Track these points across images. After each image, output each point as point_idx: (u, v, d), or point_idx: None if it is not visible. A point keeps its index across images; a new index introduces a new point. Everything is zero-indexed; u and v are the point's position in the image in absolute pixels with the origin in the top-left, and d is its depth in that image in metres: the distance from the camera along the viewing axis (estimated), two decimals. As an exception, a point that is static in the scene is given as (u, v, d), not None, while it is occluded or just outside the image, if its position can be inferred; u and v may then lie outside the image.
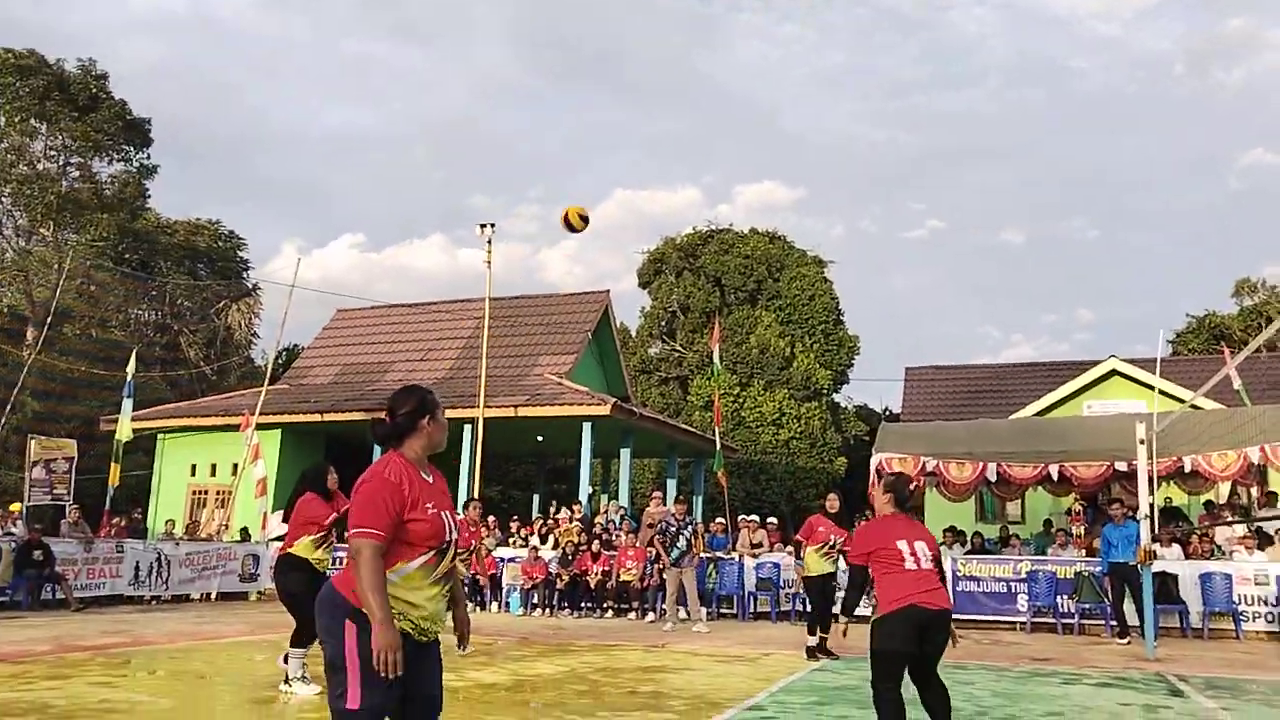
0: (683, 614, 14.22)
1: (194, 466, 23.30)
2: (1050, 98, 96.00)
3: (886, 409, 43.63)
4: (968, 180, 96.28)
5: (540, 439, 22.24)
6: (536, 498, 27.09)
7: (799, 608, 14.92)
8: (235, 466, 21.06)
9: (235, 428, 20.63)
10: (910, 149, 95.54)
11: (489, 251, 19.78)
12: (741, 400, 34.71)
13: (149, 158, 36.69)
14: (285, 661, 7.34)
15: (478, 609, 16.00)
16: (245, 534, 18.96)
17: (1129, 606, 12.50)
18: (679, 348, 39.35)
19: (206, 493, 23.00)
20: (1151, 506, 11.25)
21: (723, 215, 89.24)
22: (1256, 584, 13.41)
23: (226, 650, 10.03)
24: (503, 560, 16.37)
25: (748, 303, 38.53)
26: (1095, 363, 22.18)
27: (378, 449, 3.55)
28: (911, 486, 5.78)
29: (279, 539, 7.97)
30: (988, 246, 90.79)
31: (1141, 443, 11.18)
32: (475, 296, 23.57)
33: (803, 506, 34.21)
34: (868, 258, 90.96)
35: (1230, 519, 16.08)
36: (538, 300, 25.49)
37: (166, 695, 7.06)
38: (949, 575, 14.40)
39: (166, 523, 19.82)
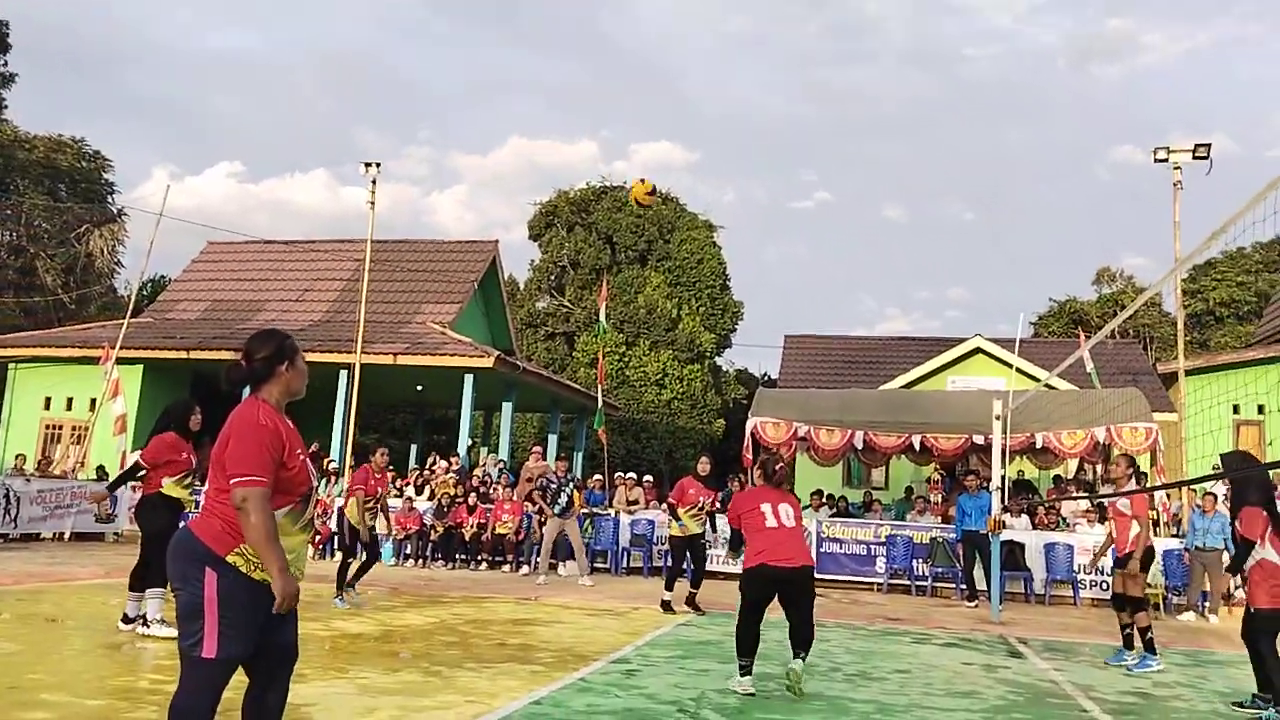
0: (564, 569, 14.38)
1: (48, 400, 22.03)
2: (942, 82, 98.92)
3: (765, 374, 44.70)
4: (857, 156, 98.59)
5: (420, 389, 21.91)
6: (415, 448, 26.73)
7: (670, 563, 15.22)
8: (93, 402, 20.01)
9: (94, 360, 19.56)
10: (806, 121, 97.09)
11: (373, 192, 19.23)
12: (627, 359, 34.92)
13: (6, 64, 34.09)
14: (137, 604, 7.13)
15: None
16: (102, 472, 18.11)
17: (979, 572, 13.26)
18: (567, 303, 39.22)
19: (61, 428, 21.82)
20: (1003, 479, 11.92)
21: (618, 172, 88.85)
22: (1095, 552, 14.35)
23: (79, 593, 9.61)
24: (376, 509, 16.11)
25: (638, 262, 38.65)
26: (961, 340, 23.20)
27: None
28: (779, 465, 6.83)
29: (135, 475, 7.67)
30: (871, 222, 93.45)
31: (997, 418, 11.79)
32: (358, 237, 22.88)
33: (681, 465, 34.82)
34: (756, 225, 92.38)
35: (1075, 494, 17.13)
36: (423, 246, 24.93)
37: (11, 639, 6.73)
38: (814, 537, 14.99)
39: (17, 457, 18.72)
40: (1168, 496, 15.55)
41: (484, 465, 18.18)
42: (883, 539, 15.05)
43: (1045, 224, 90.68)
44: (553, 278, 40.29)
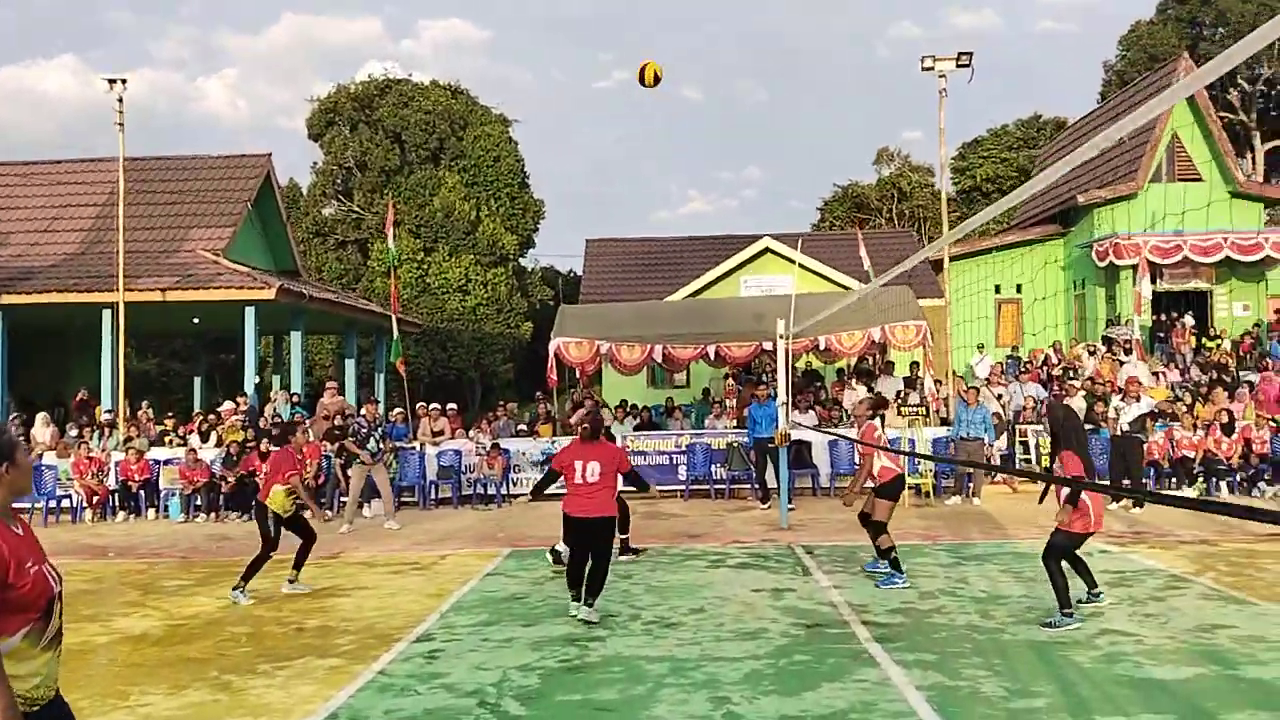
0: (369, 510, 14.08)
1: None
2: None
3: (571, 270, 44.65)
4: (653, 33, 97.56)
5: (196, 321, 20.44)
6: (198, 380, 25.14)
7: (479, 491, 15.28)
8: None
9: None
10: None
11: (120, 111, 17.32)
12: (426, 266, 33.89)
13: None
14: None
15: (132, 517, 14.83)
16: None
17: (772, 473, 14.03)
18: (357, 208, 37.34)
19: None
20: (789, 392, 12.49)
21: (406, 51, 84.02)
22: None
23: None
24: (158, 463, 15.16)
25: (430, 162, 37.13)
26: (752, 239, 23.91)
27: None
28: (587, 422, 8.06)
29: None
30: (669, 102, 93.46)
31: (781, 337, 12.27)
32: (110, 156, 20.66)
33: (490, 371, 34.67)
34: (556, 109, 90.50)
35: (855, 384, 18.25)
36: (187, 164, 22.82)
37: None
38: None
39: None
40: (936, 386, 16.83)
41: (274, 403, 17.34)
42: (683, 448, 15.62)
43: (832, 103, 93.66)
44: (338, 181, 38.15)
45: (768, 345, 15.55)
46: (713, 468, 15.50)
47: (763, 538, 11.42)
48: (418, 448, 15.47)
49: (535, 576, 9.36)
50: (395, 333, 16.58)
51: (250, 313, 18.17)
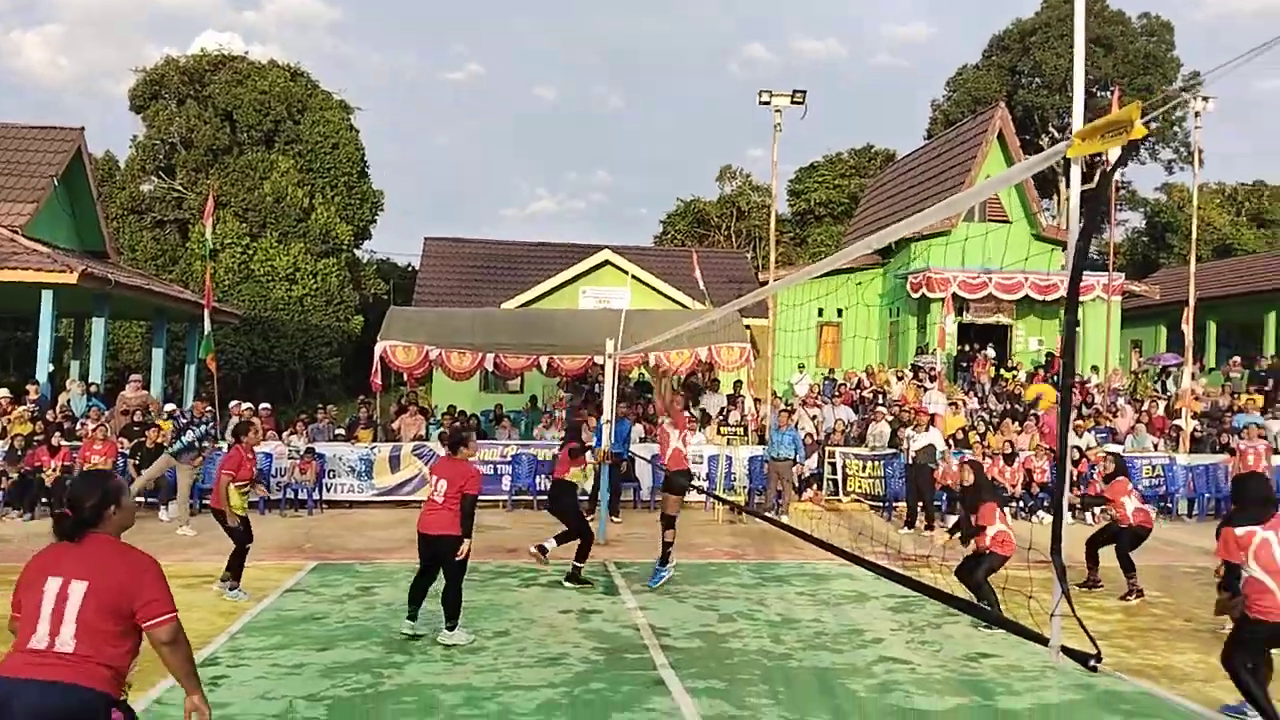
0: (164, 514, 13.34)
1: None
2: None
3: (410, 265, 43.61)
4: (507, 31, 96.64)
5: (-12, 299, 18.77)
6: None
7: (289, 495, 14.72)
8: None
9: None
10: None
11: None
12: (251, 252, 32.35)
13: None
14: None
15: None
16: None
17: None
18: (179, 187, 35.22)
19: None
20: (614, 415, 12.66)
21: (248, 23, 79.90)
22: (693, 462, 15.88)
23: None
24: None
25: (263, 144, 35.46)
26: (593, 250, 24.10)
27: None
28: (460, 437, 7.96)
29: None
30: (521, 99, 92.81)
31: (609, 356, 12.43)
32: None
33: (314, 365, 33.41)
34: (404, 97, 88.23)
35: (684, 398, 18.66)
36: (-14, 130, 20.94)
37: None
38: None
39: None
40: (756, 405, 17.45)
41: (69, 392, 16.14)
42: (508, 458, 15.55)
43: (683, 116, 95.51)
44: (160, 157, 35.87)
45: (600, 359, 15.74)
46: (538, 479, 15.49)
47: (578, 553, 11.49)
48: (224, 448, 14.70)
49: (338, 594, 9.11)
50: (207, 327, 15.74)
51: (48, 296, 16.85)
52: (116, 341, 29.44)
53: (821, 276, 24.47)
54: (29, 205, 19.09)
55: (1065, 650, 3.38)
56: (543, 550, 9.85)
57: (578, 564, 9.72)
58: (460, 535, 7.36)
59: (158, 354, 21.70)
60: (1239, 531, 5.75)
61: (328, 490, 14.89)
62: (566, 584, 9.57)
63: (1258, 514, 5.79)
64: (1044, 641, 3.58)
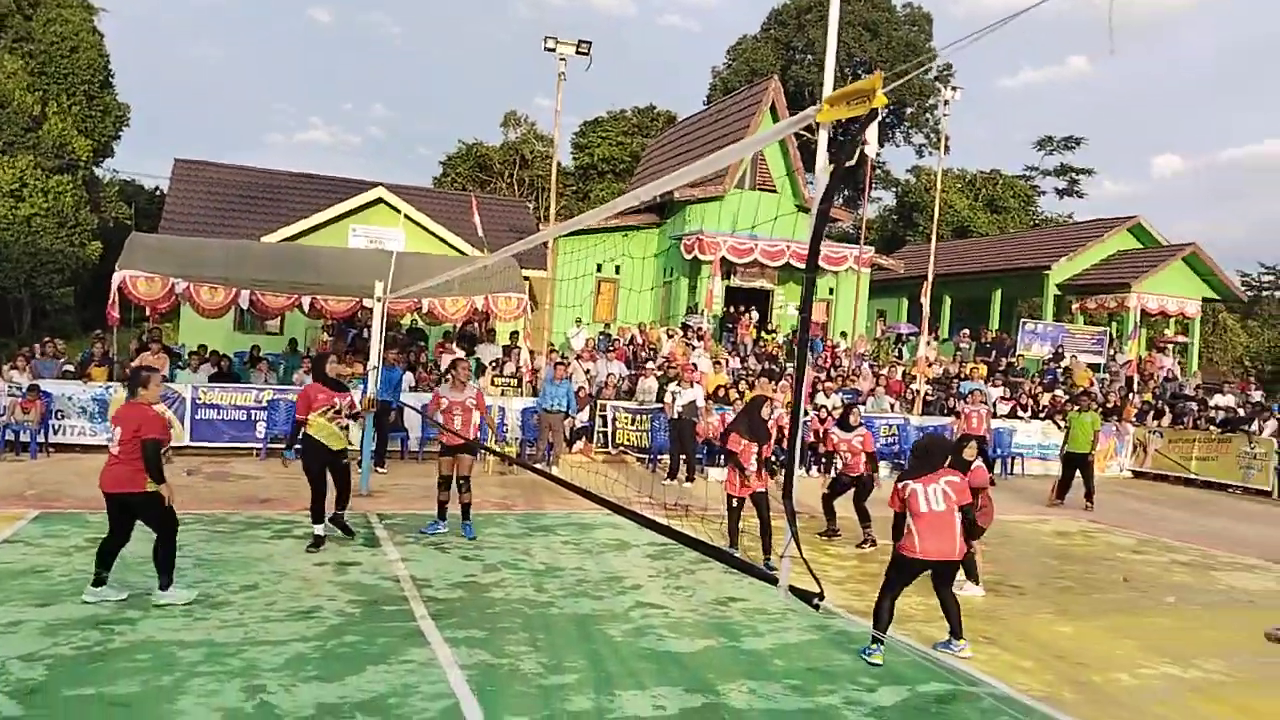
0: None
1: None
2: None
3: (157, 188, 40.00)
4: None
5: None
6: None
7: (8, 437, 13.23)
8: None
9: None
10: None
11: None
12: (-34, 162, 28.49)
13: None
14: None
15: None
16: None
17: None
18: (-128, 77, 30.33)
19: None
20: (380, 355, 12.24)
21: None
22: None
23: None
24: None
25: (-17, 38, 31.18)
26: (366, 186, 23.05)
27: None
28: (141, 377, 6.95)
29: None
30: (295, 19, 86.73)
31: (379, 300, 11.99)
32: None
33: (42, 294, 30.11)
34: (159, 5, 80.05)
35: (455, 348, 18.35)
36: None
37: None
38: (188, 404, 14.13)
39: None
40: (530, 357, 17.46)
41: None
42: (264, 403, 14.72)
43: (469, 56, 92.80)
44: None
45: (369, 302, 15.12)
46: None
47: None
48: (-72, 384, 13.02)
49: (64, 545, 8.32)
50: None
51: None
52: None
53: (601, 232, 24.79)
54: None
55: (792, 589, 3.64)
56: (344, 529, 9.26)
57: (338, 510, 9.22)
58: (145, 493, 6.68)
59: None
60: (899, 484, 6.72)
61: (55, 433, 13.51)
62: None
63: (918, 469, 6.73)
64: (774, 582, 3.83)
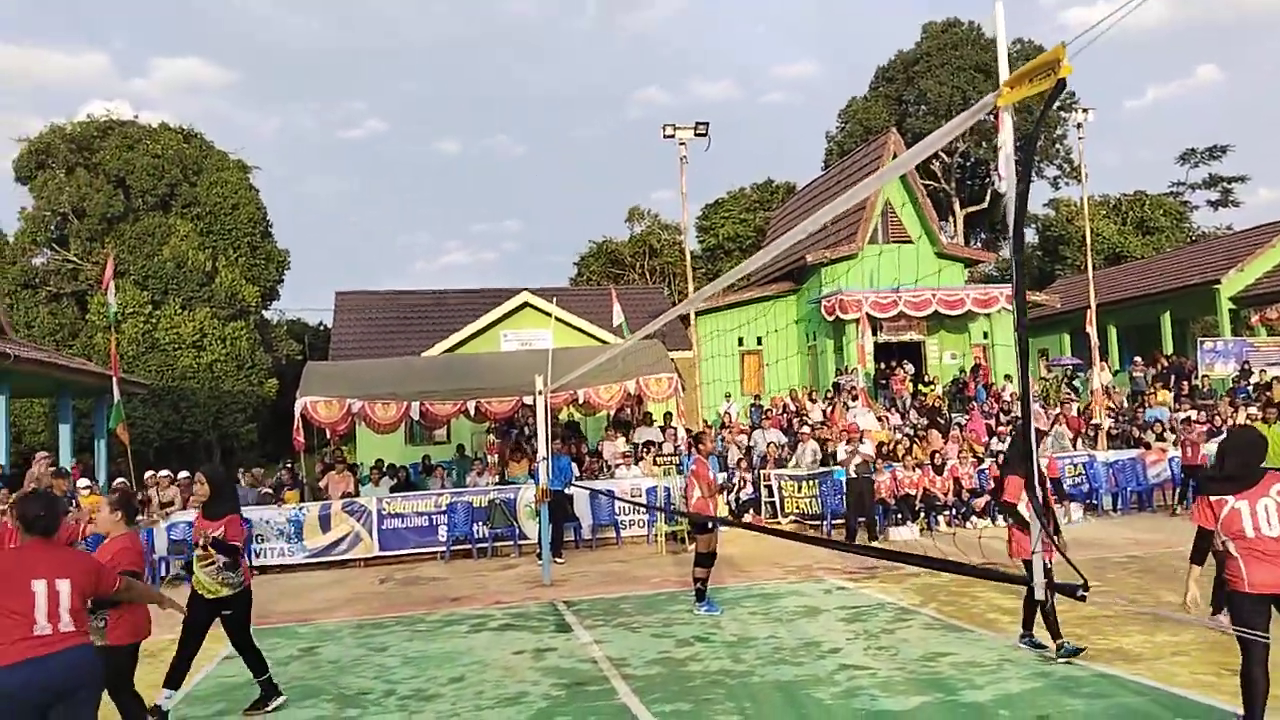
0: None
1: None
2: (473, 20, 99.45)
3: (321, 323, 42.79)
4: (405, 87, 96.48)
5: None
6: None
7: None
8: None
9: None
10: (347, 47, 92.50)
11: None
12: (155, 321, 31.32)
13: None
14: None
15: None
16: None
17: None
18: (74, 258, 33.97)
19: None
20: (548, 446, 12.55)
21: (137, 92, 77.88)
22: (632, 495, 15.84)
23: None
24: None
25: (159, 209, 34.52)
26: (511, 294, 24.01)
27: None
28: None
29: None
30: (425, 155, 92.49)
31: (540, 393, 12.35)
32: None
33: (229, 433, 32.36)
34: (304, 159, 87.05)
35: (614, 435, 18.60)
36: None
37: None
38: (374, 515, 14.77)
39: None
40: (688, 435, 17.46)
41: (-29, 478, 15.25)
42: (443, 507, 15.24)
43: (587, 161, 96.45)
44: (52, 228, 34.57)
45: (528, 400, 15.60)
46: (475, 526, 15.20)
47: (525, 595, 11.32)
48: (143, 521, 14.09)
49: (280, 656, 8.75)
50: (116, 396, 15.11)
51: (-62, 375, 15.97)
52: (18, 424, 28.01)
53: (739, 306, 24.89)
54: (-87, 284, 18.13)
55: (1053, 584, 3.41)
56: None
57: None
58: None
59: (64, 430, 20.72)
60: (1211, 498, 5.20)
61: (257, 556, 14.34)
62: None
63: (1237, 478, 5.18)
64: (1027, 583, 3.64)
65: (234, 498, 7.34)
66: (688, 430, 17.73)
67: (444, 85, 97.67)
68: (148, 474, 15.38)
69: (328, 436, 16.90)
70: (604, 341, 23.11)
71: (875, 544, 13.50)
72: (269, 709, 6.90)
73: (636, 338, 10.62)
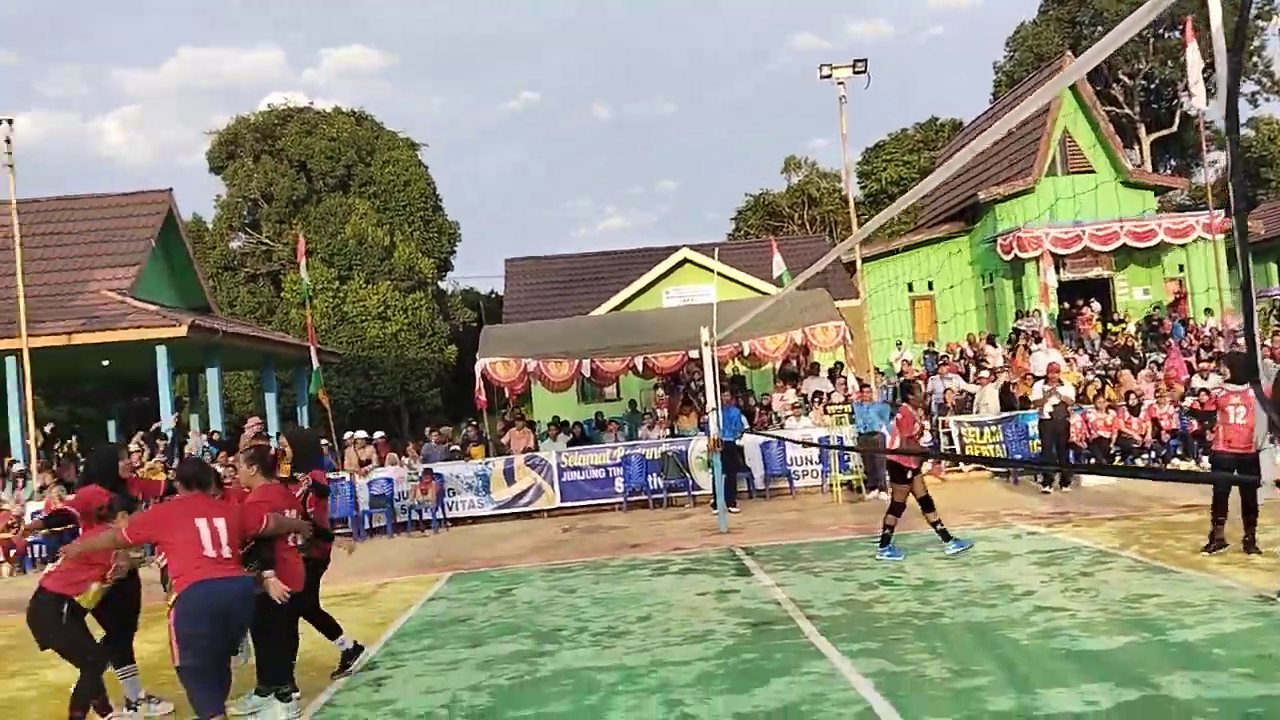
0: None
1: None
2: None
3: (493, 291, 44.34)
4: (556, 56, 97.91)
5: (106, 364, 19.74)
6: (112, 424, 24.24)
7: (413, 518, 15.09)
8: None
9: None
10: (499, 20, 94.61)
11: (9, 150, 16.76)
12: (342, 295, 33.34)
13: None
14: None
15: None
16: None
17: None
18: (266, 240, 36.57)
19: None
20: (718, 398, 12.63)
21: (309, 82, 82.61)
22: (804, 447, 15.73)
23: None
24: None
25: (339, 190, 36.59)
26: (672, 251, 24.14)
27: None
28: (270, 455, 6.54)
29: None
30: (580, 122, 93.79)
31: (707, 344, 12.41)
32: (1, 199, 19.84)
33: (416, 398, 34.19)
34: (465, 134, 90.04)
35: (782, 386, 18.48)
36: (84, 203, 22.03)
37: None
38: (554, 469, 15.31)
39: None
40: (858, 383, 17.14)
41: (192, 444, 16.82)
42: (618, 460, 15.63)
43: (740, 113, 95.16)
44: (244, 213, 37.31)
45: (694, 354, 15.72)
46: (649, 478, 15.53)
47: (703, 542, 11.50)
48: (346, 478, 15.16)
49: (479, 597, 9.27)
50: (315, 363, 16.26)
51: (162, 352, 17.62)
52: (229, 395, 30.58)
53: (907, 250, 24.08)
54: (132, 268, 20.01)
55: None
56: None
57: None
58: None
59: (270, 398, 22.49)
60: None
61: (449, 509, 15.18)
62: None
63: None
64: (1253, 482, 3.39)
65: (316, 456, 7.72)
66: (859, 379, 17.43)
67: (594, 53, 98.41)
68: (345, 435, 16.49)
69: (506, 396, 17.60)
70: (765, 294, 22.94)
71: (1068, 488, 12.97)
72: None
73: (797, 282, 10.47)
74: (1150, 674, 5.39)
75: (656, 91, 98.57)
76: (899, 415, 9.95)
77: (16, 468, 16.21)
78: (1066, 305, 22.33)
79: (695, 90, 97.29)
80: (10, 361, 17.24)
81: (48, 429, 17.88)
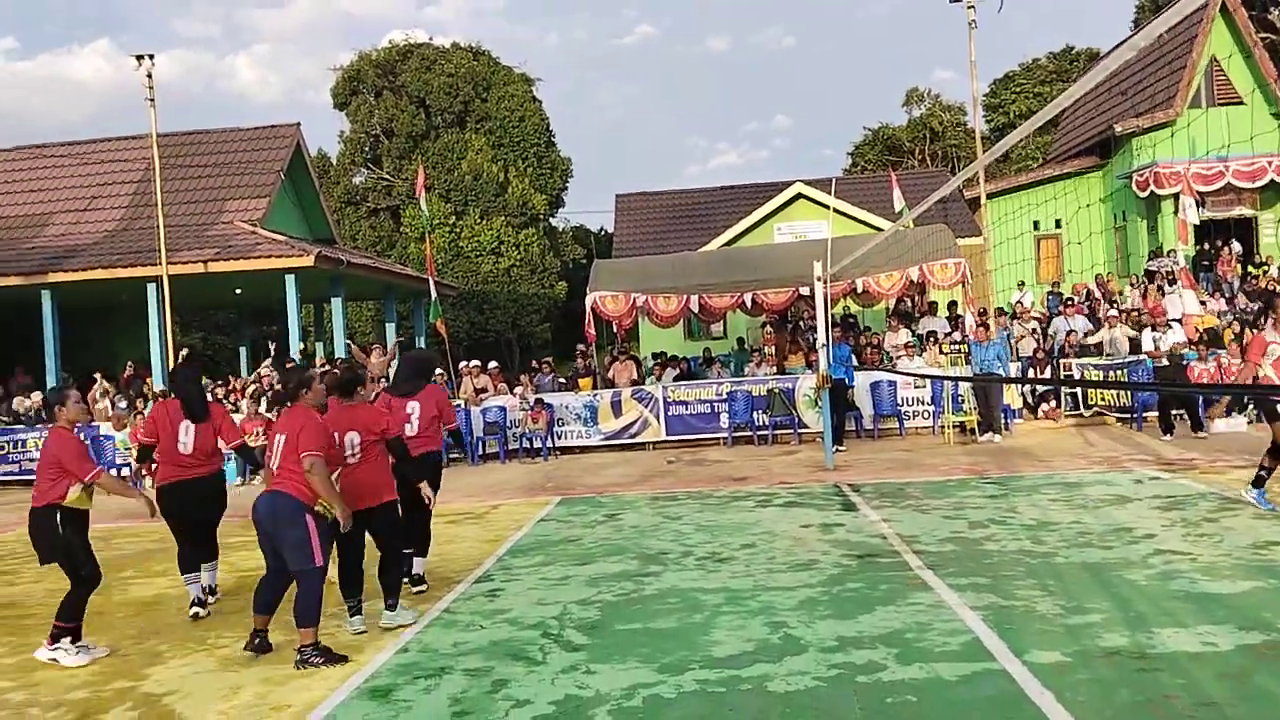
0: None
1: None
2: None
3: (602, 228, 44.56)
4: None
5: (238, 291, 20.77)
6: (244, 349, 25.59)
7: (524, 445, 15.53)
8: None
9: None
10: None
11: (150, 86, 17.58)
12: (458, 230, 34.05)
13: None
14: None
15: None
16: None
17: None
18: (387, 175, 37.52)
19: None
20: (829, 335, 12.47)
21: (430, 19, 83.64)
22: (915, 387, 15.45)
23: None
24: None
25: (456, 125, 37.14)
26: (784, 186, 23.72)
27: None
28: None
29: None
30: (694, 54, 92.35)
31: (819, 280, 12.23)
32: (143, 133, 20.90)
33: (527, 332, 34.87)
34: (581, 67, 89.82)
35: (896, 325, 18.12)
36: (217, 137, 23.04)
37: None
38: (660, 402, 15.47)
39: None
40: (977, 321, 16.62)
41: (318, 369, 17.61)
42: (724, 396, 15.67)
43: (859, 45, 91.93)
44: (367, 149, 38.32)
45: (804, 290, 15.51)
46: (755, 414, 15.54)
47: (808, 478, 11.50)
48: (462, 405, 15.67)
49: (587, 520, 9.53)
50: (433, 294, 16.76)
51: (290, 280, 18.42)
52: (350, 325, 31.84)
53: (1034, 186, 23.06)
54: (262, 200, 20.89)
55: None
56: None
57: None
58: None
59: (389, 329, 23.31)
60: None
61: (558, 438, 15.56)
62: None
63: None
64: None
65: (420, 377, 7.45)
66: (978, 318, 16.92)
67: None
68: (461, 364, 17.01)
69: (615, 330, 17.79)
70: (882, 230, 22.37)
71: (1201, 433, 12.41)
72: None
73: (915, 213, 10.17)
74: (1275, 619, 5.19)
75: (774, 23, 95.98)
76: (1249, 340, 8.52)
77: (158, 389, 17.28)
78: (1204, 246, 21.10)
79: (816, 21, 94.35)
80: (151, 288, 18.30)
81: (184, 353, 18.98)
